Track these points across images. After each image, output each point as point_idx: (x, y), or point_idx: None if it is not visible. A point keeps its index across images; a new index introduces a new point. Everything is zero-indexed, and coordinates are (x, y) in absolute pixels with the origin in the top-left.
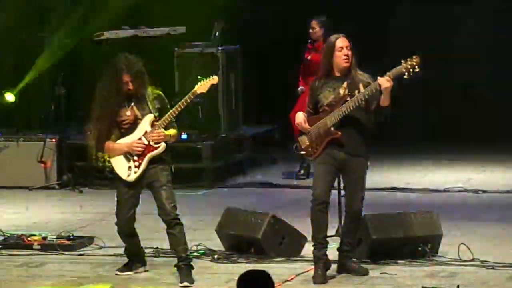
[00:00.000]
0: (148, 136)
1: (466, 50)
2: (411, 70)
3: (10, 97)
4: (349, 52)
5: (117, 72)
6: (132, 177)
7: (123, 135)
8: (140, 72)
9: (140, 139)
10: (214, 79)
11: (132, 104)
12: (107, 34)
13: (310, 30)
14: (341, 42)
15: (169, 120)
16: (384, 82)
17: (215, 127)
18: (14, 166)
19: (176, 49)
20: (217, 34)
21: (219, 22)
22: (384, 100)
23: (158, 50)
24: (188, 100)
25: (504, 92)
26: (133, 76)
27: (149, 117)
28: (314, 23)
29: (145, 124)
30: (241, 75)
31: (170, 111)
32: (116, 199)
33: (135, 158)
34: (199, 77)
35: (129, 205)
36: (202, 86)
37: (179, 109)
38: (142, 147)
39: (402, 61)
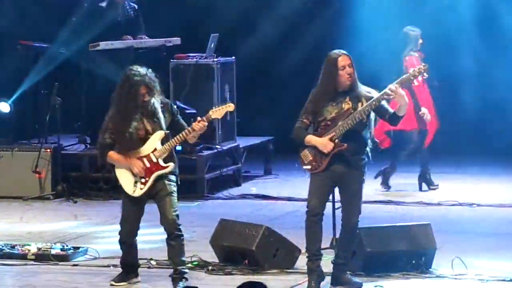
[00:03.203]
0: (156, 153)
1: None
2: (419, 77)
3: (4, 107)
4: (351, 70)
5: (134, 84)
6: (138, 193)
7: (133, 148)
8: (154, 84)
9: (148, 155)
10: (230, 107)
11: (145, 117)
12: (103, 45)
13: (421, 41)
14: (343, 60)
15: (179, 140)
16: (392, 91)
17: (209, 139)
18: (8, 176)
19: (171, 60)
20: (212, 46)
21: (214, 34)
22: (401, 110)
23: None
24: (203, 126)
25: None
26: (148, 88)
27: (159, 134)
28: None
29: (155, 141)
30: (236, 86)
31: (182, 132)
32: (121, 209)
33: (142, 174)
34: (215, 107)
35: (134, 217)
36: (217, 112)
37: (189, 133)
38: (142, 169)
39: (411, 69)
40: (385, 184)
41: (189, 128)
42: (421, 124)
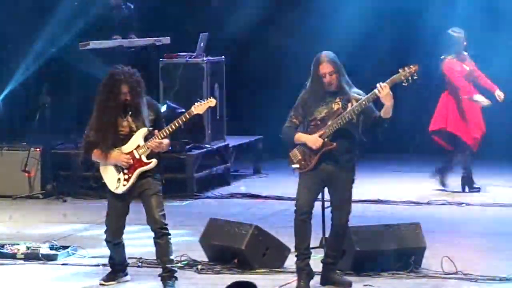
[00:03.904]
0: (139, 150)
1: None
2: (409, 78)
3: None
4: (331, 77)
5: (115, 83)
6: (120, 189)
7: (116, 145)
8: (137, 83)
9: (131, 152)
10: (212, 102)
11: (128, 115)
12: (93, 44)
13: (465, 43)
14: (323, 69)
15: (162, 137)
16: (381, 90)
17: (199, 138)
18: None
19: (161, 59)
20: (202, 45)
21: (204, 33)
22: (386, 112)
23: (143, 60)
24: (184, 120)
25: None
26: (130, 87)
27: (143, 131)
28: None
29: (138, 138)
30: (225, 85)
31: (164, 128)
32: (107, 208)
33: (125, 171)
34: (198, 100)
35: (119, 215)
36: (199, 107)
37: (173, 128)
38: (129, 163)
39: (400, 69)
40: (443, 184)
41: (167, 129)
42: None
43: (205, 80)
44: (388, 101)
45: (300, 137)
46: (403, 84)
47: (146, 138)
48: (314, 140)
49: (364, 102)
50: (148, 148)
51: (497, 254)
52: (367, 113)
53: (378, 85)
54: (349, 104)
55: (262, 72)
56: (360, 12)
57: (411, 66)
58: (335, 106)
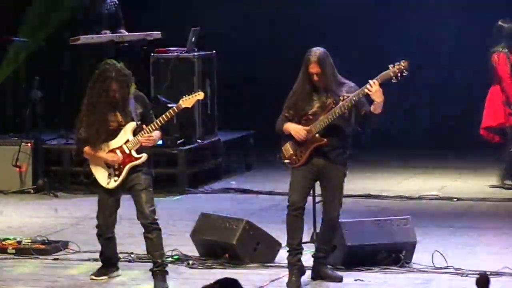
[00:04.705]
0: (128, 145)
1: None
2: (399, 74)
3: None
4: (319, 78)
5: (106, 80)
6: (112, 185)
7: (106, 141)
8: (127, 80)
9: (121, 147)
10: (200, 95)
11: (117, 110)
12: (83, 39)
13: None
14: (312, 68)
15: (151, 131)
16: (371, 87)
17: (190, 133)
18: None
19: (151, 54)
20: (193, 39)
21: (195, 28)
22: (376, 108)
23: (134, 55)
24: (172, 113)
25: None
26: (120, 84)
27: (131, 126)
28: None
29: (127, 133)
30: (216, 80)
31: (153, 122)
32: (97, 202)
33: (115, 166)
34: (186, 95)
35: (110, 209)
36: (187, 101)
37: (162, 122)
38: (116, 161)
39: (390, 66)
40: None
41: (155, 122)
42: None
43: (196, 75)
44: (378, 98)
45: (288, 126)
46: (393, 81)
47: (135, 133)
48: (297, 129)
49: (354, 98)
50: (138, 143)
51: (488, 249)
52: (358, 108)
53: (368, 82)
54: (341, 99)
55: (255, 67)
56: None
57: (401, 63)
58: (327, 101)
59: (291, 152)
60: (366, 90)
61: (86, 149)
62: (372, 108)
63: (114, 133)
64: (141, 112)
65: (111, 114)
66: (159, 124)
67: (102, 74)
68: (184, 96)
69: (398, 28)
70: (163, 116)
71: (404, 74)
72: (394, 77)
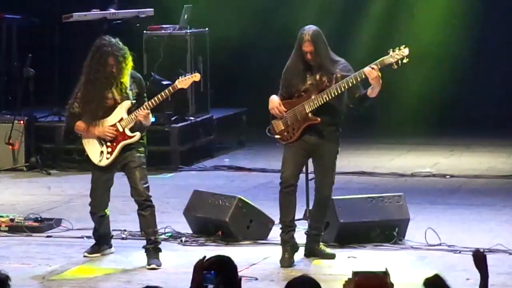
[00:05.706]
0: (122, 123)
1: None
2: (399, 60)
3: None
4: (312, 57)
5: (103, 54)
6: (104, 162)
7: (101, 118)
8: (124, 56)
9: (115, 125)
10: (196, 76)
11: (113, 87)
12: (76, 16)
13: None
14: (305, 47)
15: (148, 108)
16: (371, 72)
17: (183, 110)
18: None
19: (144, 32)
20: (186, 17)
21: (188, 5)
22: (373, 92)
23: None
24: (168, 94)
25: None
26: (117, 59)
27: (126, 104)
28: None
29: (121, 111)
30: (209, 58)
31: (147, 102)
32: (91, 180)
33: (108, 144)
34: (181, 70)
35: (103, 187)
36: (183, 82)
37: (157, 102)
38: (113, 135)
39: (390, 50)
40: None
41: (151, 101)
42: None
43: (188, 52)
44: (376, 83)
45: (271, 98)
46: (393, 67)
47: (129, 111)
48: (271, 101)
49: (351, 81)
50: (132, 121)
51: (481, 226)
52: (353, 89)
53: (368, 66)
54: (333, 77)
55: (248, 44)
56: None
57: (402, 48)
58: (322, 78)
59: (282, 127)
60: (366, 74)
61: (79, 123)
62: (368, 91)
63: (109, 110)
64: (137, 92)
65: (108, 90)
66: (154, 103)
67: (98, 50)
68: (180, 77)
69: None
70: (158, 96)
71: (405, 61)
72: (394, 64)
